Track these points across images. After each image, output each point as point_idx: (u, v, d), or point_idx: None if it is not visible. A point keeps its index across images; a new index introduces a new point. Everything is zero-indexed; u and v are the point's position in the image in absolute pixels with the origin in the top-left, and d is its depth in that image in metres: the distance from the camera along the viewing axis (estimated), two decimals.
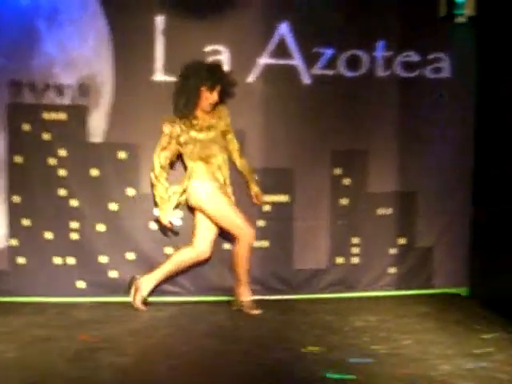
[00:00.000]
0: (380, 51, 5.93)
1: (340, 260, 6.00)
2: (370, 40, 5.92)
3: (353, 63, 5.91)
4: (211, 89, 5.41)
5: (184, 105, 5.42)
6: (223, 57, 5.73)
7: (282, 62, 5.81)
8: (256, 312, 5.49)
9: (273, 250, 5.86)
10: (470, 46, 6.08)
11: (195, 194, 5.45)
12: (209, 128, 5.49)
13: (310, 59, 5.84)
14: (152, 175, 5.42)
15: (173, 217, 5.47)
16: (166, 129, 5.44)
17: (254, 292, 5.75)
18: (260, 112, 5.79)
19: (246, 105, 5.74)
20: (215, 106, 5.52)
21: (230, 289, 5.74)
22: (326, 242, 5.96)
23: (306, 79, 5.86)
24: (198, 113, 5.49)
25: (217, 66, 5.53)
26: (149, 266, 5.69)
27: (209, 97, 5.43)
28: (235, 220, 5.44)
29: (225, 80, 5.48)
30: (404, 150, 5.98)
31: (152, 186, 5.47)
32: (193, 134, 5.44)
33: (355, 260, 6.02)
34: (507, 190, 5.85)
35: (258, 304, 5.61)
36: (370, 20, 5.90)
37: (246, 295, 5.57)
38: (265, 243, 5.86)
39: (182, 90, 5.43)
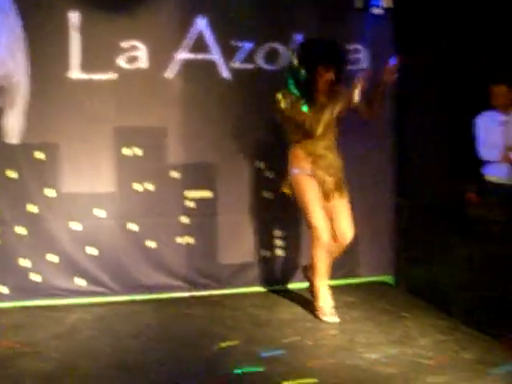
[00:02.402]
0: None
1: (266, 253, 6.02)
2: (288, 33, 5.92)
3: (271, 56, 5.91)
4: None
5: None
6: (140, 52, 5.65)
7: (200, 56, 5.77)
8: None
9: (198, 246, 5.83)
10: (386, 38, 6.13)
11: None
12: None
13: (229, 53, 5.82)
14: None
15: None
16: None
17: (180, 289, 5.76)
18: (180, 107, 5.74)
19: (165, 100, 5.69)
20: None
21: (156, 286, 5.70)
22: (251, 235, 5.97)
23: (225, 73, 5.84)
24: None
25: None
26: (72, 267, 5.60)
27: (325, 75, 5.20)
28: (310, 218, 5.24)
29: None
30: None
31: None
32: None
33: (281, 253, 6.03)
34: (429, 180, 5.95)
35: (186, 301, 5.59)
36: (287, 13, 5.90)
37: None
38: (189, 239, 5.82)
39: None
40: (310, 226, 5.24)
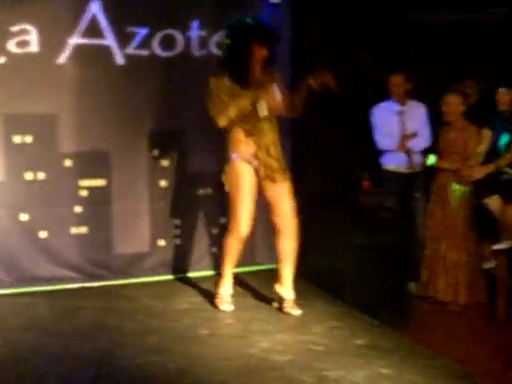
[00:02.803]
0: (195, 30, 5.89)
1: (162, 242, 5.97)
2: (184, 19, 5.87)
3: (168, 43, 5.84)
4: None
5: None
6: (31, 36, 5.47)
7: (94, 42, 5.63)
8: (298, 312, 5.13)
9: (92, 235, 5.72)
10: (284, 27, 6.16)
11: None
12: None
13: (124, 39, 5.71)
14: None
15: None
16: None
17: (74, 280, 5.67)
18: (72, 94, 5.60)
19: (57, 87, 5.55)
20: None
21: (49, 278, 5.59)
22: (147, 224, 5.90)
23: (120, 59, 5.73)
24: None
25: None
26: None
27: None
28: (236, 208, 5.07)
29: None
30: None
31: None
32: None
33: (177, 241, 6.00)
34: (325, 169, 6.04)
35: (80, 292, 5.50)
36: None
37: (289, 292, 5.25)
38: (83, 229, 5.71)
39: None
40: (231, 216, 5.10)
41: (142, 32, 5.74)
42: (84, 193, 5.70)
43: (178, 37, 5.86)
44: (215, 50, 5.96)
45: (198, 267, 6.08)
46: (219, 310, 5.16)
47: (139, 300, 5.42)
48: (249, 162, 5.01)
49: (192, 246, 6.04)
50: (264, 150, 5.02)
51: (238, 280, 5.86)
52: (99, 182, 5.74)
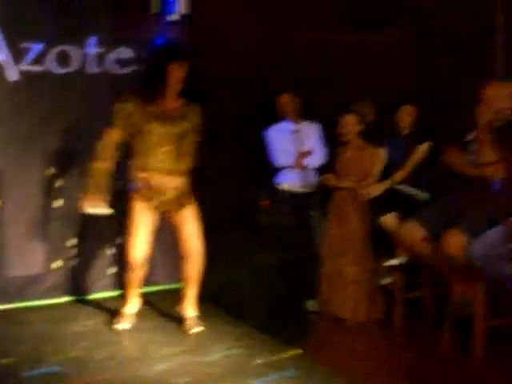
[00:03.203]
0: (91, 47, 5.80)
1: (57, 264, 5.81)
2: (81, 35, 5.78)
3: (63, 59, 5.72)
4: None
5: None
6: None
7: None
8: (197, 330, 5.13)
9: None
10: (184, 43, 6.14)
11: None
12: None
13: (17, 54, 5.56)
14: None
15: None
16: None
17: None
18: None
19: None
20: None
21: None
22: (42, 245, 5.73)
23: (14, 76, 5.57)
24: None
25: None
26: None
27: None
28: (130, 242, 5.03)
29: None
30: None
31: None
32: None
33: (73, 262, 5.86)
34: (224, 188, 6.04)
35: None
36: (80, 15, 5.76)
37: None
38: None
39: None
40: (126, 251, 5.08)
41: (37, 47, 5.61)
42: None
43: (74, 53, 5.75)
44: (113, 68, 5.88)
45: (96, 289, 5.94)
46: (116, 332, 5.05)
47: (32, 324, 5.25)
48: (142, 195, 4.99)
49: (91, 266, 5.91)
50: (159, 185, 4.97)
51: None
52: None
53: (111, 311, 5.52)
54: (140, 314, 5.44)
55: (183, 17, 6.11)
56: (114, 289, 6.01)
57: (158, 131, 4.87)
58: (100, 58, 5.86)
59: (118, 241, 5.94)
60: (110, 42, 5.89)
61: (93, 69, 5.83)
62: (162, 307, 5.67)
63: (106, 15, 5.88)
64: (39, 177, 5.70)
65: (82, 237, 5.88)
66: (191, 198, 5.12)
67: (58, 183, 5.77)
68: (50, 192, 5.73)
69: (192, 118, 5.01)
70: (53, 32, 5.66)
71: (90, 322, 5.33)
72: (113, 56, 5.92)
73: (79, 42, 5.77)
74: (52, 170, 5.74)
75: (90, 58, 5.82)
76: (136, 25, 5.98)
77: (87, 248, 5.90)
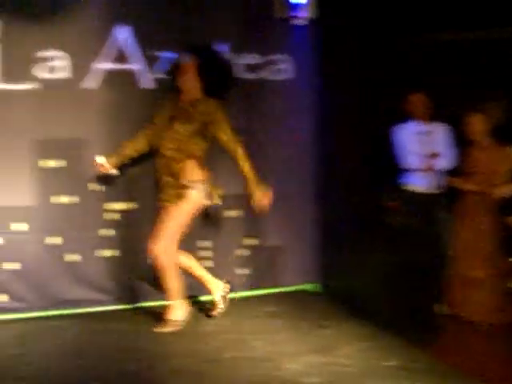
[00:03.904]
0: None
1: None
2: (210, 42, 5.84)
3: None
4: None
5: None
6: (61, 62, 5.54)
7: (122, 66, 5.69)
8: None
9: (123, 258, 5.72)
10: (311, 47, 6.19)
11: None
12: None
13: (151, 63, 5.76)
14: None
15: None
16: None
17: (104, 303, 5.69)
18: (101, 118, 5.64)
19: (85, 111, 5.58)
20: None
21: (80, 301, 5.64)
22: None
23: (148, 83, 5.78)
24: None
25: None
26: None
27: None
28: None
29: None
30: (248, 152, 5.98)
31: None
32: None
33: (205, 263, 5.98)
34: (352, 189, 6.01)
35: (111, 315, 5.53)
36: (209, 23, 5.88)
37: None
38: (113, 252, 5.72)
39: None
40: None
41: (169, 56, 5.76)
42: (113, 216, 5.72)
43: None
44: (241, 73, 6.00)
45: (238, 289, 6.03)
46: (247, 332, 5.14)
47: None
48: None
49: (219, 267, 6.00)
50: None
51: (264, 302, 5.89)
52: (128, 205, 5.77)
53: (242, 311, 5.64)
54: (267, 315, 5.53)
55: (310, 21, 6.15)
56: (245, 289, 6.13)
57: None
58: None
59: (247, 242, 6.08)
60: (238, 48, 6.00)
61: None
62: (290, 308, 5.74)
63: (234, 22, 5.98)
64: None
65: (213, 238, 6.02)
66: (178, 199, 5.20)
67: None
68: None
69: (206, 112, 5.19)
70: (184, 40, 5.80)
71: (221, 321, 5.44)
72: (241, 62, 6.01)
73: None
74: None
75: None
76: (263, 30, 6.06)
77: (218, 249, 6.03)
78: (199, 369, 4.43)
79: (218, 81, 5.33)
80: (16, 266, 5.54)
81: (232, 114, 5.81)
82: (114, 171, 5.41)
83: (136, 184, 5.78)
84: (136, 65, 5.74)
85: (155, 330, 5.21)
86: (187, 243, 5.75)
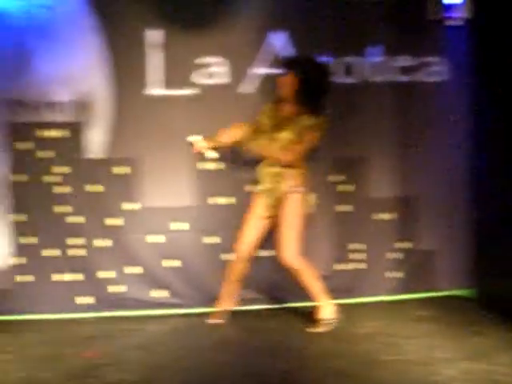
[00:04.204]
0: (376, 56, 5.95)
1: (341, 266, 6.02)
2: (365, 46, 5.94)
3: (348, 70, 5.93)
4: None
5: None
6: (219, 68, 5.75)
7: (276, 71, 5.76)
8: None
9: (272, 258, 5.77)
10: (465, 48, 6.08)
11: None
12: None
13: None
14: None
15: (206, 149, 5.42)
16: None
17: (257, 302, 5.86)
18: None
19: (243, 115, 5.64)
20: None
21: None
22: (327, 248, 5.98)
23: None
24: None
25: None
26: (152, 279, 5.76)
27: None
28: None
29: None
30: (403, 154, 6.02)
31: None
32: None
33: (357, 266, 6.04)
34: (508, 192, 5.85)
35: (263, 314, 5.67)
36: (363, 26, 5.91)
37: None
38: (266, 253, 5.83)
39: None
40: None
41: (325, 60, 5.83)
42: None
43: (359, 63, 5.93)
44: (396, 76, 5.99)
45: (377, 292, 6.08)
46: (400, 335, 5.13)
47: None
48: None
49: (372, 270, 6.05)
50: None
51: (417, 306, 5.87)
52: None
53: (394, 315, 5.64)
54: (423, 319, 5.50)
55: (466, 21, 6.05)
56: (398, 293, 6.12)
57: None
58: (382, 66, 5.97)
59: (399, 245, 6.07)
60: (392, 50, 5.99)
61: (377, 78, 5.97)
62: (443, 313, 5.67)
63: (387, 24, 5.96)
64: (323, 182, 5.93)
65: (364, 241, 6.05)
66: (293, 202, 5.30)
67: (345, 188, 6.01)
68: (331, 197, 5.96)
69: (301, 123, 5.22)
70: (338, 44, 5.88)
71: (373, 323, 5.44)
72: (395, 64, 6.00)
73: (362, 52, 5.94)
74: (335, 177, 5.98)
75: (375, 68, 5.96)
76: (416, 32, 6.01)
77: (369, 252, 6.04)
78: (353, 371, 4.44)
79: (317, 94, 5.33)
80: (176, 263, 5.80)
81: (386, 116, 5.90)
82: (212, 154, 5.42)
83: None
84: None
85: (308, 330, 5.30)
86: (338, 245, 5.86)
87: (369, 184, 6.03)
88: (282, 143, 5.27)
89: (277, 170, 5.33)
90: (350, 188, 6.02)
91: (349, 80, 5.95)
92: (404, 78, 6.04)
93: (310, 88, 5.26)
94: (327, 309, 5.36)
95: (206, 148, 5.39)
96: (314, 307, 5.43)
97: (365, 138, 6.00)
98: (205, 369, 4.56)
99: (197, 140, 5.39)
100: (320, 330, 5.28)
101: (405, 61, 6.04)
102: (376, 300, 6.05)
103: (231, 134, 5.45)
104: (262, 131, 5.36)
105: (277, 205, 5.34)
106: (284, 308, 5.89)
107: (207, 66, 5.76)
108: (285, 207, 5.30)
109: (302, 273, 5.32)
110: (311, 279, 5.34)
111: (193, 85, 5.75)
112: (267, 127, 5.35)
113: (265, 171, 5.39)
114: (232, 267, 5.49)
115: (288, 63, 5.35)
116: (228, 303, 5.58)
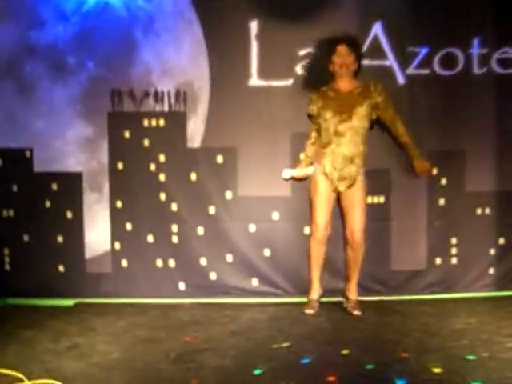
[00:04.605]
0: (476, 48, 5.83)
1: (438, 261, 5.94)
2: (466, 37, 5.82)
3: (448, 61, 5.82)
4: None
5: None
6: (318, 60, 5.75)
7: (376, 62, 5.77)
8: (356, 313, 5.51)
9: (370, 250, 5.75)
10: None
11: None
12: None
13: (405, 59, 5.79)
14: None
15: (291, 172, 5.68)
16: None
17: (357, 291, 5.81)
18: None
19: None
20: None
21: (328, 290, 5.80)
22: (424, 242, 5.91)
23: (401, 79, 5.82)
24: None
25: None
26: (247, 268, 5.85)
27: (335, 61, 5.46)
28: (313, 212, 5.55)
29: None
30: (502, 148, 5.89)
31: None
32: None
33: (453, 260, 5.96)
34: None
35: (360, 305, 5.65)
36: (465, 17, 5.79)
37: (351, 293, 5.66)
38: None
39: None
40: (311, 221, 5.58)
41: (423, 51, 5.77)
42: None
43: (459, 55, 5.82)
44: (497, 68, 5.86)
45: (474, 288, 5.98)
46: (497, 333, 5.03)
47: (415, 317, 5.44)
48: (324, 174, 5.46)
49: (468, 265, 5.94)
50: (332, 163, 5.45)
51: None
52: (379, 199, 5.86)
53: (491, 312, 5.54)
54: None
55: None
56: (495, 289, 6.00)
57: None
58: (484, 58, 5.84)
59: (500, 241, 5.95)
60: (494, 41, 5.85)
61: (477, 70, 5.85)
62: None
63: (490, 15, 5.82)
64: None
65: (463, 235, 5.95)
66: (360, 182, 5.49)
67: (441, 182, 5.93)
68: (433, 190, 5.89)
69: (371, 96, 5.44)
70: (438, 35, 5.78)
71: (469, 320, 5.34)
72: (497, 56, 5.86)
73: (464, 43, 5.82)
74: (436, 170, 5.88)
75: (475, 60, 5.84)
76: None
77: (468, 247, 5.93)
78: (449, 366, 4.40)
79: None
80: (270, 253, 5.90)
81: (488, 111, 5.81)
82: (311, 169, 5.60)
83: (386, 178, 5.87)
84: (390, 61, 5.79)
85: (354, 312, 5.54)
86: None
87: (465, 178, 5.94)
88: (358, 119, 5.38)
89: (350, 151, 5.41)
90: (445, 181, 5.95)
91: (447, 72, 5.84)
92: (506, 71, 5.87)
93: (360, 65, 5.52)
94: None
95: (303, 173, 5.61)
96: (348, 284, 5.67)
97: (462, 132, 5.89)
98: (298, 357, 4.55)
99: (291, 173, 5.60)
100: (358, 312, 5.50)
101: (507, 53, 5.88)
102: (471, 296, 5.95)
103: (313, 149, 5.62)
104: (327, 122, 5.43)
105: (347, 186, 5.44)
106: (378, 301, 5.88)
107: (305, 57, 5.77)
108: (354, 188, 5.44)
109: (362, 252, 5.54)
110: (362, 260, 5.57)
111: (290, 75, 5.78)
112: (335, 111, 5.42)
113: (336, 152, 5.43)
114: (313, 251, 5.57)
115: (350, 41, 5.43)
116: (319, 291, 5.65)
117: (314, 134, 5.62)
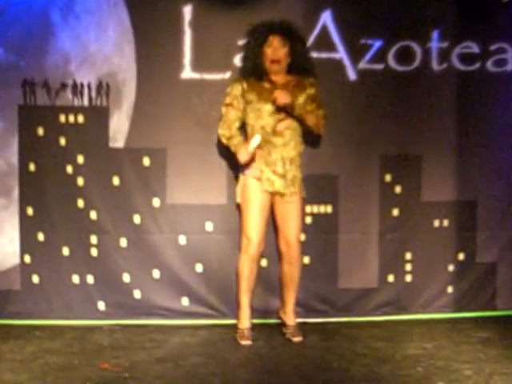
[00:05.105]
0: (435, 42, 5.85)
1: (391, 278, 5.94)
2: (424, 29, 5.83)
3: (404, 56, 5.83)
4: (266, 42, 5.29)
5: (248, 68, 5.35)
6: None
7: (324, 55, 5.74)
8: (297, 340, 5.43)
9: (315, 266, 5.77)
10: None
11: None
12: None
13: (356, 52, 5.78)
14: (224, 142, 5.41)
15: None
16: (228, 88, 5.40)
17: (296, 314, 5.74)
18: None
19: None
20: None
21: (267, 310, 5.76)
22: (376, 257, 5.90)
23: (352, 74, 5.79)
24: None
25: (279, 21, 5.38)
26: (176, 285, 5.75)
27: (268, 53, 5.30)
28: (245, 224, 5.39)
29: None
30: (462, 153, 5.92)
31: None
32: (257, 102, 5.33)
33: (408, 278, 5.95)
34: None
35: (300, 328, 5.58)
36: (423, 7, 5.82)
37: (289, 318, 5.56)
38: (305, 259, 5.77)
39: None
40: (241, 233, 5.41)
41: (377, 44, 5.77)
42: (308, 220, 5.79)
43: (416, 49, 5.83)
44: (458, 64, 5.88)
45: (430, 308, 6.00)
46: (455, 359, 5.01)
47: (364, 341, 5.41)
48: (257, 179, 5.29)
49: (425, 284, 5.95)
50: (271, 166, 5.29)
51: (475, 327, 5.79)
52: (325, 209, 5.83)
53: (449, 335, 5.54)
54: (481, 342, 5.41)
55: None
56: (453, 310, 6.03)
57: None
58: (445, 53, 5.87)
59: (460, 257, 5.98)
60: (455, 35, 5.88)
61: (436, 65, 5.87)
62: (505, 334, 5.54)
63: (451, 5, 5.87)
64: (374, 183, 5.85)
65: (418, 250, 5.95)
66: (297, 194, 5.40)
67: (395, 190, 5.92)
68: (386, 199, 5.89)
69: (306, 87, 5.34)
70: (394, 27, 5.79)
71: (424, 344, 5.34)
72: (458, 51, 5.89)
73: (422, 36, 5.83)
74: (389, 176, 5.88)
75: (434, 54, 5.86)
76: (482, 16, 5.90)
77: (424, 263, 5.95)
78: None
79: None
80: (201, 268, 5.81)
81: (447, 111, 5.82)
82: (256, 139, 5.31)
83: (334, 185, 5.86)
84: (340, 54, 5.78)
85: (294, 339, 5.44)
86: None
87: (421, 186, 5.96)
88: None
89: (291, 152, 5.31)
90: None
91: (403, 67, 5.86)
92: (468, 67, 5.93)
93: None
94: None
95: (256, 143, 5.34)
96: (284, 307, 5.60)
97: (418, 134, 5.91)
98: None
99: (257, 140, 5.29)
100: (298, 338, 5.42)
101: (468, 47, 5.92)
102: (427, 317, 5.98)
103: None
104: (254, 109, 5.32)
105: (283, 192, 5.34)
106: (323, 323, 5.85)
107: None
108: (292, 194, 5.35)
109: (299, 267, 5.48)
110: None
111: (228, 68, 5.70)
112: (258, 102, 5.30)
113: (274, 155, 5.30)
114: (243, 271, 5.42)
115: (286, 30, 5.30)
116: (250, 318, 5.52)
117: (234, 132, 5.37)
